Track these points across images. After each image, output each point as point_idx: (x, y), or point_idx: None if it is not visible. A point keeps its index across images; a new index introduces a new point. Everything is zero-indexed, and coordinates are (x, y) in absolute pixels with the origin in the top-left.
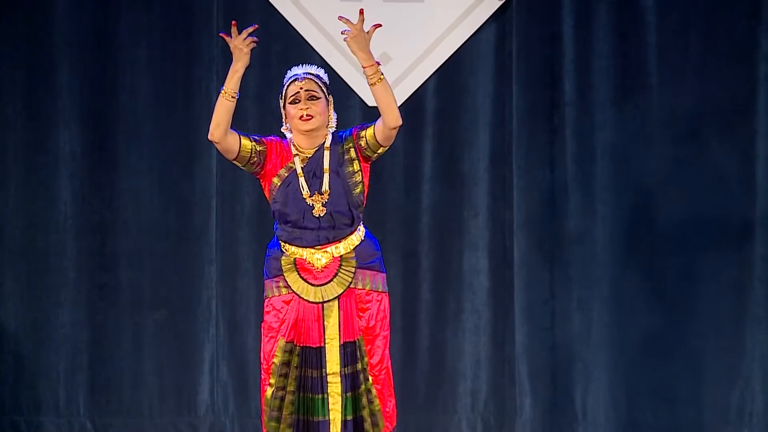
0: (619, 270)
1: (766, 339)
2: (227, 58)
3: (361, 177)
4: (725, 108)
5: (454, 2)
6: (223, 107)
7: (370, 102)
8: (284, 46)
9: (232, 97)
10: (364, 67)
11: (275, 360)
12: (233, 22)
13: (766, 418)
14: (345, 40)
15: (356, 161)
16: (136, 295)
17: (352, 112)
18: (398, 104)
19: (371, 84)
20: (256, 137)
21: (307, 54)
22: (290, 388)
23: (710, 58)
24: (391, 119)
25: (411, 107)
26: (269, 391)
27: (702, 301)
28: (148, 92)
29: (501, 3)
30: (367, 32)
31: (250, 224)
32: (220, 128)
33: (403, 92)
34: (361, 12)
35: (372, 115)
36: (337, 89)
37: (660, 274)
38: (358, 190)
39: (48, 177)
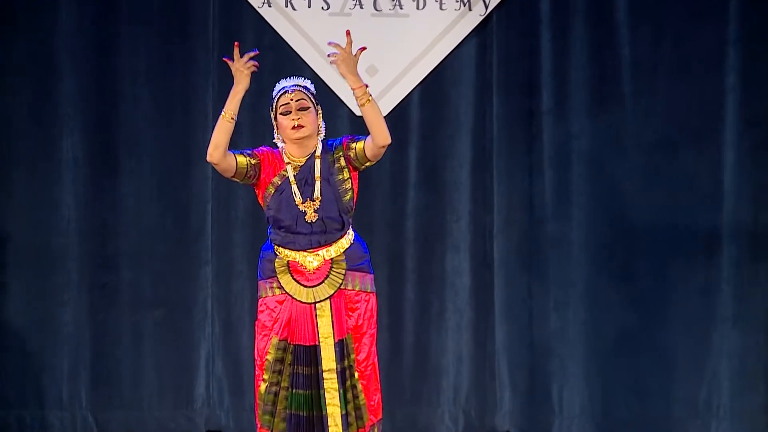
0: (593, 271)
1: (733, 337)
2: (223, 70)
3: (350, 184)
4: (695, 117)
5: (438, 17)
6: (223, 128)
7: (358, 112)
8: (277, 58)
9: (232, 119)
10: (353, 89)
11: (269, 357)
12: (236, 43)
13: (733, 412)
14: (333, 62)
15: (346, 169)
16: (136, 294)
17: (341, 121)
18: (385, 114)
19: (360, 105)
20: (248, 152)
21: (299, 66)
22: (284, 384)
23: (681, 69)
24: (379, 138)
25: (397, 117)
26: (263, 387)
27: (672, 302)
28: (147, 102)
29: (482, 18)
30: (355, 54)
31: (244, 228)
32: (219, 149)
33: (389, 103)
34: (348, 34)
35: (360, 124)
36: (327, 100)
37: (633, 275)
38: (348, 196)
39: (52, 182)
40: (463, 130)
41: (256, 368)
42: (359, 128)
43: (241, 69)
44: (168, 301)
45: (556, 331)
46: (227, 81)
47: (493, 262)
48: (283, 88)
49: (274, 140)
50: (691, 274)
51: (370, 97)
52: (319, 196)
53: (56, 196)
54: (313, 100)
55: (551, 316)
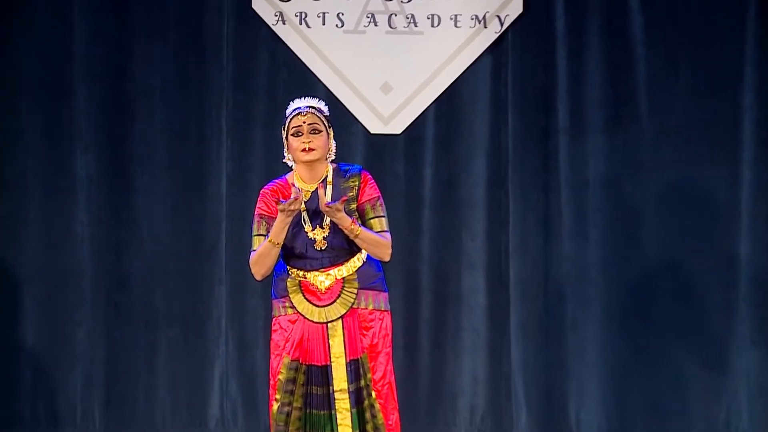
0: (610, 290)
1: (752, 357)
2: (237, 86)
3: (358, 215)
4: (712, 136)
5: (453, 34)
6: (273, 254)
7: (373, 129)
8: (290, 75)
9: (278, 244)
10: (344, 228)
11: (280, 377)
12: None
13: None
14: (326, 212)
15: (355, 203)
16: (150, 313)
17: (355, 138)
18: (399, 132)
19: (354, 238)
20: (261, 218)
21: (312, 83)
22: (296, 405)
23: (697, 88)
24: (377, 258)
25: (411, 135)
26: (275, 406)
27: (690, 320)
28: (161, 119)
29: (497, 35)
30: (337, 207)
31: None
32: (268, 272)
33: (403, 121)
34: (320, 190)
35: (374, 143)
36: (341, 117)
37: (650, 294)
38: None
39: (66, 200)
40: (478, 147)
41: (270, 388)
42: (373, 147)
43: (292, 208)
44: (182, 320)
45: (572, 350)
46: (241, 98)
47: (509, 281)
48: (297, 108)
49: (284, 161)
50: (709, 292)
51: (360, 230)
52: (328, 223)
53: (70, 214)
54: (326, 123)
55: (568, 335)
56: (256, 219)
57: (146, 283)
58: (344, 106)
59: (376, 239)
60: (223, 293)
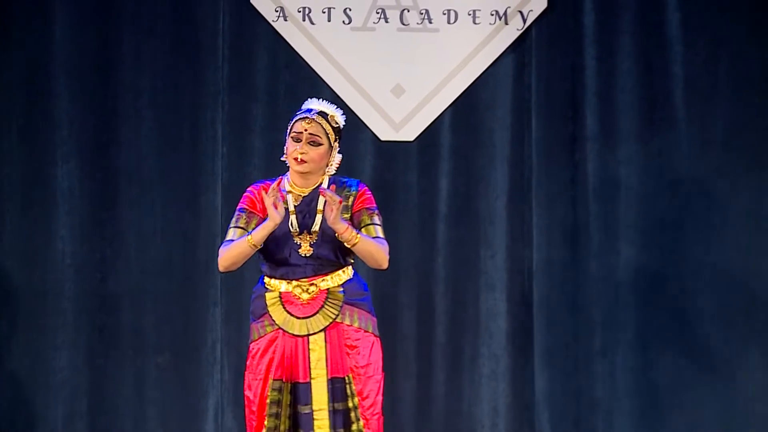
0: (644, 313)
1: None
2: (233, 89)
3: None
4: (756, 144)
5: (471, 32)
6: (245, 253)
7: (383, 136)
8: (293, 77)
9: (255, 246)
10: (339, 235)
11: (267, 400)
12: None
13: None
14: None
15: (350, 215)
16: (138, 337)
17: (363, 146)
18: (412, 139)
19: (351, 246)
20: (242, 211)
21: (317, 85)
22: (283, 428)
23: (740, 90)
24: (374, 267)
25: (425, 142)
26: None
27: (732, 346)
28: (150, 124)
29: (520, 33)
30: (333, 207)
31: (257, 264)
32: (235, 267)
33: (416, 126)
34: (323, 192)
35: (384, 151)
36: (348, 122)
37: (688, 318)
38: None
39: (45, 213)
40: (498, 156)
41: (250, 415)
42: (383, 154)
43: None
44: (173, 345)
45: (602, 378)
46: (238, 101)
47: (533, 302)
48: (306, 111)
49: (281, 159)
50: (755, 316)
51: (358, 235)
52: (317, 230)
53: (50, 229)
54: (331, 136)
55: (597, 362)
56: (236, 214)
57: (134, 305)
58: (352, 110)
59: (376, 245)
60: (219, 316)
